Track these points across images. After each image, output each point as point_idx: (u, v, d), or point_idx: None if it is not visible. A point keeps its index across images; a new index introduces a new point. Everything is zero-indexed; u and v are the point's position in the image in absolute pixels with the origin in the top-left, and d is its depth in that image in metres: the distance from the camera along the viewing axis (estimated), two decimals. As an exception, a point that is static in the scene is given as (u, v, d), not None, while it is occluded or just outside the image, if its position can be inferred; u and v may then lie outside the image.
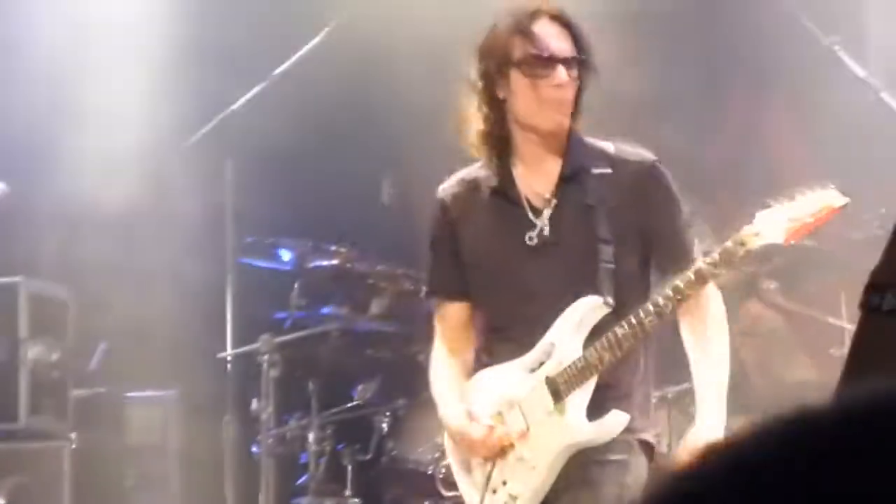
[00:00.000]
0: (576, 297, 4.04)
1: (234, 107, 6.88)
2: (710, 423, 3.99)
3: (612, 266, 4.03)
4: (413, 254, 6.68)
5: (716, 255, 3.96)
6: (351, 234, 6.88)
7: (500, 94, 4.09)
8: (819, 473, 0.83)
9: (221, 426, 6.65)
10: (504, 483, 4.11)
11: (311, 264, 6.69)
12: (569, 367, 4.02)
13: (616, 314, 4.01)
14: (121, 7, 7.30)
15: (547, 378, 4.05)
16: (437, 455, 6.00)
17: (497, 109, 4.10)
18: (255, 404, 6.43)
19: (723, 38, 7.13)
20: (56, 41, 7.14)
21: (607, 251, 4.04)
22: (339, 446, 6.56)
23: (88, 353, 7.10)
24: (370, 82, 7.14)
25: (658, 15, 7.10)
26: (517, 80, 4.06)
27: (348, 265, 6.71)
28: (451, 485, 4.69)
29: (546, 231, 4.08)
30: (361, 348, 6.81)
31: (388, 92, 7.06)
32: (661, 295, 3.96)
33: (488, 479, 4.12)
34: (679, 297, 3.95)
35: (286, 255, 6.72)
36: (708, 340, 4.10)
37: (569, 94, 4.06)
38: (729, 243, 3.97)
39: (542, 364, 4.07)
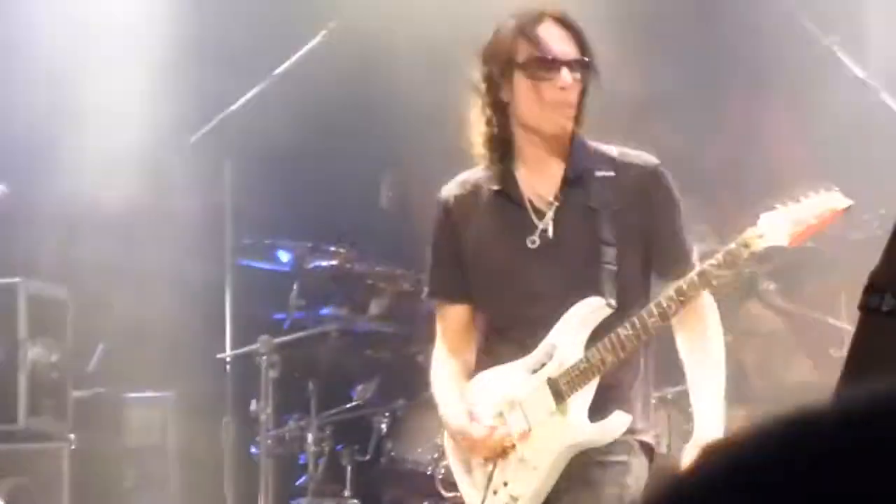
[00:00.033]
0: (578, 298, 4.04)
1: (234, 107, 6.88)
2: (708, 435, 3.99)
3: (614, 268, 4.04)
4: (412, 254, 6.69)
5: (720, 257, 3.97)
6: (350, 235, 6.89)
7: (504, 97, 4.09)
8: (819, 473, 0.83)
9: (220, 427, 6.65)
10: (505, 484, 4.11)
11: (310, 265, 6.69)
12: (571, 367, 4.02)
13: (617, 316, 4.01)
14: (121, 7, 7.30)
15: (549, 379, 4.05)
16: (436, 455, 6.00)
17: (500, 112, 4.10)
18: (254, 405, 6.42)
19: (722, 38, 7.13)
20: (56, 41, 7.14)
21: (610, 253, 4.04)
22: (338, 447, 6.56)
23: (88, 353, 7.10)
24: (370, 83, 7.14)
25: (658, 15, 7.11)
26: (521, 82, 4.06)
27: (347, 266, 6.71)
28: (451, 485, 4.69)
29: (549, 233, 4.09)
30: (360, 349, 6.81)
31: (388, 92, 7.07)
32: (664, 296, 3.97)
33: (489, 479, 4.12)
34: (682, 299, 3.96)
35: (284, 255, 6.73)
36: (705, 352, 4.11)
37: (573, 96, 4.06)
38: (733, 245, 3.98)
39: (543, 365, 4.07)
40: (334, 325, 6.62)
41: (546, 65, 4.03)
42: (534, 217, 4.11)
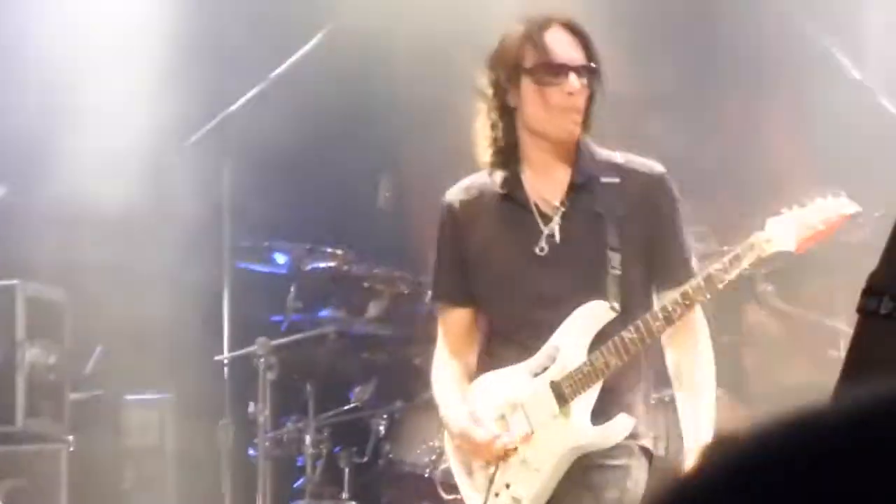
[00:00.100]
0: (583, 302, 4.06)
1: (233, 108, 6.88)
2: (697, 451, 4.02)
3: (619, 273, 4.05)
4: (410, 256, 6.69)
5: (726, 261, 3.99)
6: (348, 237, 6.89)
7: (511, 103, 4.10)
8: (819, 473, 0.83)
9: (218, 429, 6.64)
10: (507, 486, 4.11)
11: (308, 267, 6.69)
12: (575, 370, 4.03)
13: (620, 320, 4.02)
14: (120, 7, 7.29)
15: (552, 382, 4.06)
16: (433, 457, 6.00)
17: (507, 118, 4.11)
18: (251, 407, 6.42)
19: (722, 39, 7.13)
20: (54, 41, 7.13)
21: (615, 258, 4.06)
22: (336, 449, 6.56)
23: (86, 355, 7.09)
24: (368, 84, 7.14)
25: (657, 15, 7.11)
26: (528, 87, 4.07)
27: (345, 268, 6.71)
28: (451, 487, 4.69)
29: (556, 237, 4.09)
30: (358, 351, 6.81)
31: (387, 93, 7.07)
32: (669, 300, 3.99)
33: (491, 481, 4.12)
34: (688, 303, 3.98)
35: (281, 258, 6.72)
36: (695, 370, 4.12)
37: (580, 101, 4.07)
38: (739, 249, 3.99)
39: (546, 368, 4.08)
40: (332, 328, 6.62)
41: (553, 70, 4.05)
42: (540, 221, 4.12)
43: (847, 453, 0.84)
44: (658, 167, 4.17)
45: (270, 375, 6.37)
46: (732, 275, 3.99)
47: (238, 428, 6.62)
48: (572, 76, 4.04)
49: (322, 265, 6.70)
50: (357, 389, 6.72)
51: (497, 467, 4.11)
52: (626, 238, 4.07)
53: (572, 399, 4.04)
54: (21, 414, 6.44)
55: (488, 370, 4.20)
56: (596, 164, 4.14)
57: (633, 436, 4.07)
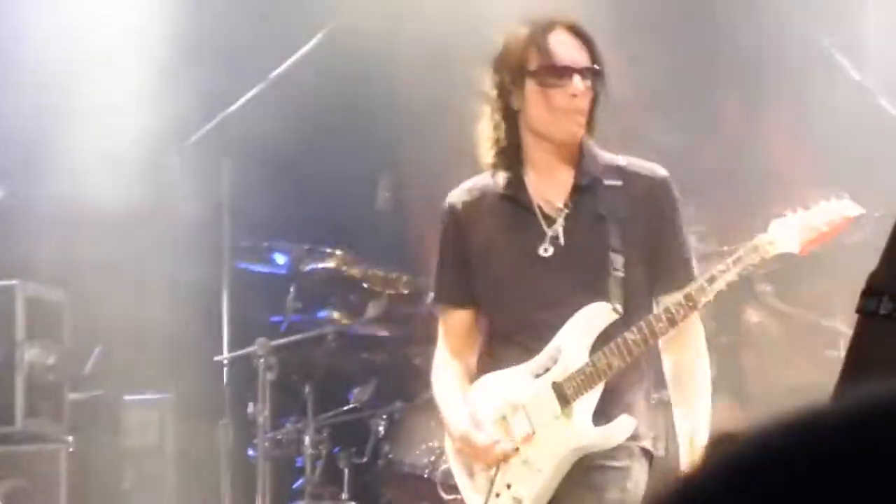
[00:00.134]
0: (586, 304, 4.06)
1: (233, 107, 6.88)
2: (693, 457, 4.03)
3: (621, 275, 4.05)
4: (409, 257, 6.70)
5: (730, 262, 3.99)
6: (347, 237, 6.89)
7: (515, 105, 4.11)
8: (819, 474, 0.83)
9: (218, 429, 6.64)
10: (508, 486, 4.11)
11: (307, 268, 6.69)
12: (577, 371, 4.03)
13: (622, 322, 4.03)
14: (120, 7, 7.29)
15: (554, 383, 4.07)
16: (433, 458, 6.00)
17: (510, 120, 4.12)
18: (251, 407, 6.42)
19: (721, 39, 7.13)
20: (52, 41, 7.13)
21: (618, 260, 4.06)
22: (336, 449, 6.56)
23: (85, 355, 7.09)
24: (368, 84, 7.14)
25: (657, 15, 7.11)
26: (532, 90, 4.08)
27: (344, 268, 6.71)
28: (451, 488, 4.69)
29: (559, 239, 4.10)
30: (357, 352, 6.81)
31: (386, 94, 7.07)
32: (672, 302, 4.00)
33: (492, 482, 4.12)
34: (691, 304, 3.99)
35: (281, 258, 6.72)
36: (692, 378, 4.13)
37: (584, 103, 4.08)
38: (742, 251, 4.00)
39: (548, 369, 4.08)
40: (331, 328, 6.62)
41: (557, 72, 4.05)
42: (543, 223, 4.12)
43: (847, 453, 0.84)
44: (661, 171, 4.18)
45: (270, 376, 6.37)
46: (735, 276, 4.00)
47: (237, 428, 6.62)
48: (576, 78, 4.05)
49: (321, 266, 6.70)
50: (356, 390, 6.72)
51: (498, 468, 4.12)
52: (629, 240, 4.08)
53: (574, 400, 4.05)
54: (20, 414, 6.44)
55: (489, 371, 4.20)
56: (599, 167, 4.15)
57: (633, 437, 4.07)
